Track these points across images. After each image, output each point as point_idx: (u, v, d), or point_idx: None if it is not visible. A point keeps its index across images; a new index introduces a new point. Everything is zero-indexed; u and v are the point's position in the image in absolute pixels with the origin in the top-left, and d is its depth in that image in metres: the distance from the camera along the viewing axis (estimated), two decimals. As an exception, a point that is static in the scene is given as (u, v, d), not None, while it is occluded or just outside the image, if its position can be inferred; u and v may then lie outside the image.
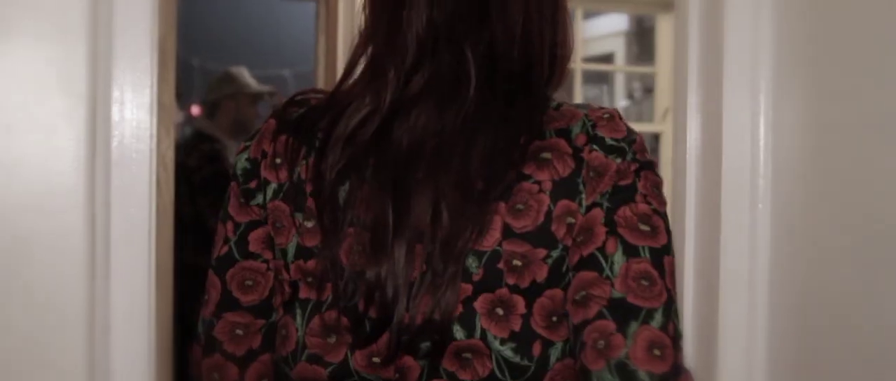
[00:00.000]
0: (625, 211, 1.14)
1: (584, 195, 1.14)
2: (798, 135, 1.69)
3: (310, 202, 1.20)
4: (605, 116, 1.18)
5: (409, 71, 1.19)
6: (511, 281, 1.14)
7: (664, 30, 4.63)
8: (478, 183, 1.14)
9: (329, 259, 1.18)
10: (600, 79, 7.11)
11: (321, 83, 4.04)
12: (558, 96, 1.25)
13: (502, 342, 1.15)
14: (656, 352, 1.08)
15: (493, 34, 1.19)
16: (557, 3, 1.25)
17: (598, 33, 6.80)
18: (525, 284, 1.14)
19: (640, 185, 1.16)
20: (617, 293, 1.10)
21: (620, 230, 1.13)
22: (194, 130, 4.19)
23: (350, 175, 1.18)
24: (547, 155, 1.15)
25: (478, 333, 1.14)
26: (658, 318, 1.09)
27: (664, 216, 1.16)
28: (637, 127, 4.76)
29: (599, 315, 1.10)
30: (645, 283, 1.11)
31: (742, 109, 1.73)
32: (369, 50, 1.24)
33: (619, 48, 6.78)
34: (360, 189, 1.17)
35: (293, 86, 6.78)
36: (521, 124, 1.17)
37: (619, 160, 1.15)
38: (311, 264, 1.20)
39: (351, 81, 1.25)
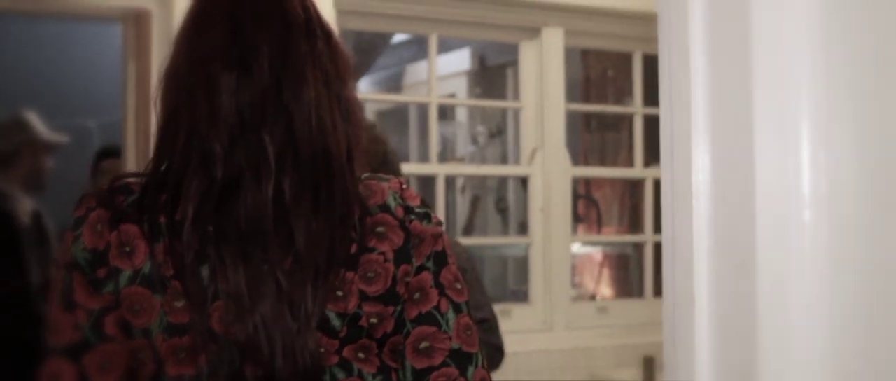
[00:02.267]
0: (446, 274, 1.45)
1: (414, 259, 1.42)
2: (853, 172, 1.20)
3: (174, 284, 1.33)
4: (404, 186, 1.47)
5: (230, 152, 1.34)
6: (370, 334, 1.41)
7: (529, 59, 4.11)
8: (319, 254, 1.35)
9: (203, 332, 1.32)
10: (445, 120, 6.59)
11: (130, 134, 3.39)
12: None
13: (374, 376, 1.43)
14: None
15: (290, 121, 1.35)
16: (347, 93, 1.44)
17: (438, 73, 6.25)
18: (378, 335, 1.41)
19: (447, 248, 1.46)
20: (455, 345, 1.43)
21: (448, 292, 1.44)
22: None
23: (207, 254, 1.33)
24: (382, 229, 1.40)
25: (355, 372, 1.41)
26: (480, 359, 1.45)
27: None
28: (501, 170, 4.17)
29: (444, 364, 1.42)
30: (469, 333, 1.45)
31: (775, 145, 1.23)
32: (183, 132, 1.36)
33: (460, 89, 6.27)
34: (219, 265, 1.33)
35: (99, 138, 6.04)
36: (350, 203, 1.38)
37: (430, 226, 1.44)
38: (184, 340, 1.34)
39: (166, 161, 1.38)
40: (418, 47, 6.50)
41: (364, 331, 1.40)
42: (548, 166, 4.05)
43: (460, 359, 1.42)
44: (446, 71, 6.29)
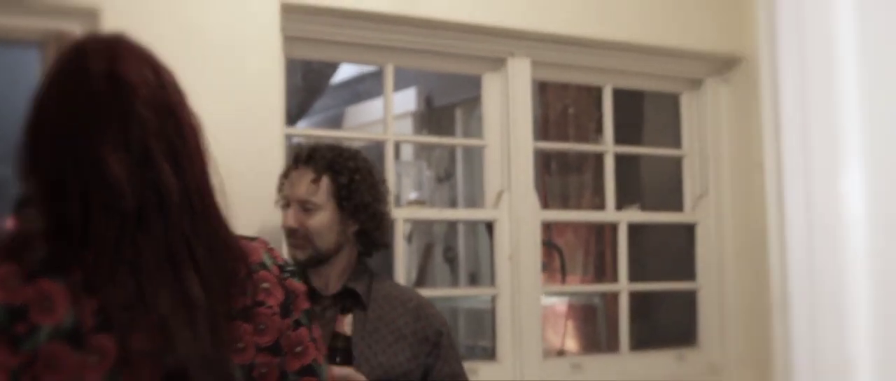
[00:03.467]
0: (315, 330, 1.64)
1: (293, 314, 1.58)
2: None
3: (100, 338, 1.37)
4: (270, 246, 1.64)
5: (121, 207, 1.42)
6: None
7: (493, 93, 3.75)
8: (221, 307, 1.46)
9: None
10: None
11: None
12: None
13: None
14: None
15: (161, 180, 1.44)
16: (204, 154, 1.56)
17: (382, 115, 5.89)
18: None
19: (309, 304, 1.65)
20: None
21: (318, 346, 1.62)
22: None
23: (134, 306, 1.40)
24: (266, 285, 1.55)
25: None
26: None
27: None
28: (465, 215, 3.77)
29: None
30: None
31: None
32: (74, 188, 1.43)
33: (405, 131, 5.89)
34: (143, 318, 1.40)
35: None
36: (238, 261, 1.53)
37: (300, 283, 1.63)
38: None
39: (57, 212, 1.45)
40: (359, 88, 6.12)
41: None
42: (516, 210, 3.69)
43: None
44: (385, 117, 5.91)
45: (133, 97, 1.46)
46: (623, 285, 4.02)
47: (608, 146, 4.04)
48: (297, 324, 1.57)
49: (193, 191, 1.47)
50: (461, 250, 5.82)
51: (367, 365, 2.69)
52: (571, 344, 4.72)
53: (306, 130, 4.55)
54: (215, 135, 3.07)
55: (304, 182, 2.74)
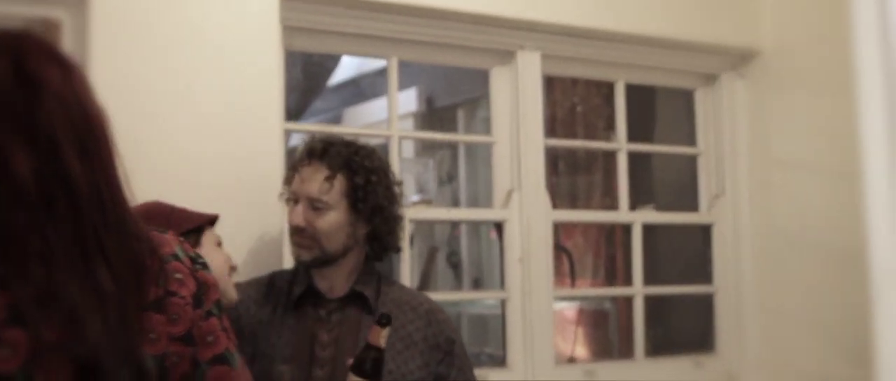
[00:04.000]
0: (225, 320, 1.64)
1: (204, 304, 1.60)
2: None
3: (11, 332, 1.39)
4: (181, 239, 1.64)
5: (29, 200, 1.42)
6: (172, 375, 1.54)
7: (502, 87, 3.58)
8: (132, 298, 1.47)
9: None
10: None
11: None
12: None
13: None
14: None
15: (69, 173, 1.43)
16: (111, 146, 1.53)
17: (382, 116, 5.75)
18: (176, 376, 1.54)
19: (220, 295, 1.67)
20: None
21: (230, 335, 1.64)
22: None
23: (44, 299, 1.42)
24: (179, 276, 1.57)
25: None
26: None
27: None
28: (474, 215, 3.58)
29: None
30: (245, 373, 1.67)
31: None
32: None
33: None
34: (54, 311, 1.41)
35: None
36: (149, 252, 1.53)
37: (211, 275, 1.65)
38: None
39: None
40: (357, 89, 5.96)
41: (168, 373, 1.53)
42: (526, 210, 3.52)
43: None
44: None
45: (39, 91, 1.46)
46: (638, 289, 3.84)
47: (621, 144, 3.87)
48: (209, 314, 1.60)
49: (102, 183, 1.48)
50: (464, 255, 5.66)
51: (377, 373, 2.52)
52: (581, 351, 4.55)
53: (306, 126, 4.36)
54: (211, 129, 2.96)
55: (316, 179, 2.56)
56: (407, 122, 5.71)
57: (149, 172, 2.69)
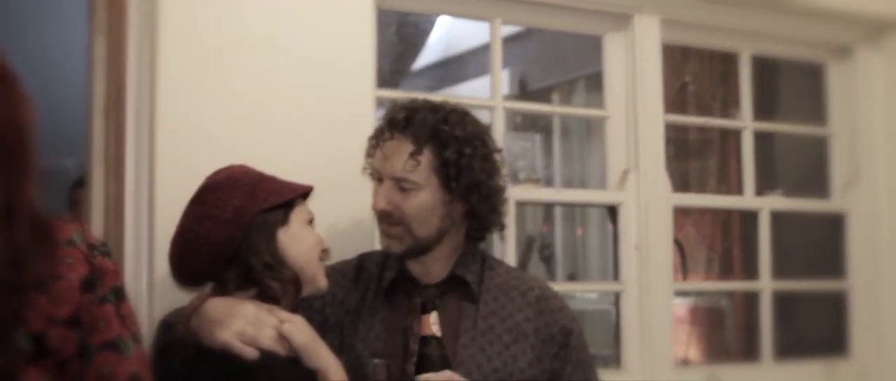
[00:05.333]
0: (126, 307, 1.66)
1: (98, 290, 1.62)
2: None
3: None
4: (83, 227, 1.67)
5: None
6: (54, 355, 1.55)
7: (616, 55, 3.21)
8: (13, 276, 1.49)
9: None
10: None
11: (97, 132, 2.51)
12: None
13: None
14: None
15: None
16: (27, 161, 1.55)
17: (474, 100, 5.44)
18: (62, 357, 1.56)
19: (123, 284, 1.70)
20: (133, 371, 1.63)
21: (127, 323, 1.65)
22: None
23: None
24: (70, 260, 1.59)
25: None
26: None
27: None
28: (585, 196, 3.08)
29: None
30: (143, 363, 1.68)
31: None
32: None
33: (497, 118, 5.39)
34: None
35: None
36: (42, 234, 1.55)
37: (110, 262, 1.67)
38: None
39: None
40: (444, 72, 5.66)
41: (49, 352, 1.55)
42: (644, 192, 3.15)
43: None
44: (481, 96, 5.46)
45: None
46: (765, 284, 3.44)
47: (746, 122, 3.48)
48: (104, 300, 1.63)
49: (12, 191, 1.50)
50: (558, 248, 5.30)
51: (479, 372, 2.17)
52: (694, 353, 4.15)
53: (400, 94, 4.03)
54: (296, 93, 2.57)
55: (400, 156, 2.20)
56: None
57: (227, 138, 2.48)
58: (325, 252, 2.14)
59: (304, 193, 2.12)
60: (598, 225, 5.05)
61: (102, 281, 1.62)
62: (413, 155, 2.18)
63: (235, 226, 1.99)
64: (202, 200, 2.04)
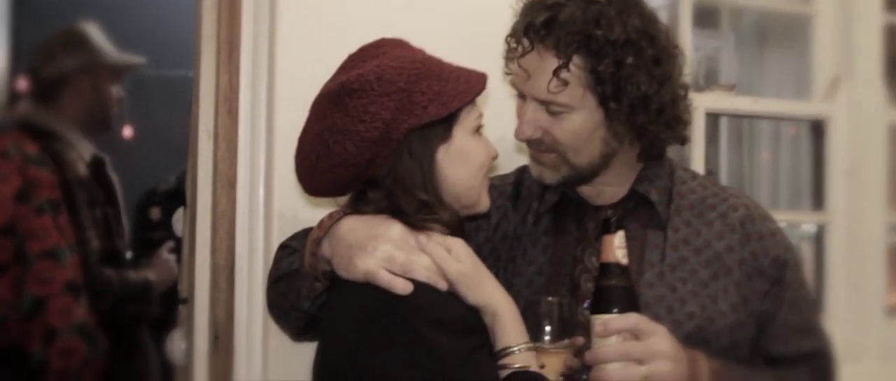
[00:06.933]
0: (62, 219, 1.82)
1: (33, 201, 1.77)
2: None
3: None
4: (19, 137, 1.83)
5: None
6: None
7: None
8: None
9: None
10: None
11: (207, 82, 2.20)
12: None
13: None
14: None
15: None
16: None
17: None
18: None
19: (57, 194, 1.93)
20: (69, 278, 1.91)
21: (64, 233, 1.84)
22: (18, 119, 2.89)
23: None
24: (3, 172, 1.68)
25: None
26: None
27: None
28: (789, 107, 2.67)
29: (61, 293, 1.90)
30: (78, 269, 1.98)
31: None
32: None
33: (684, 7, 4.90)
34: None
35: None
36: None
37: (46, 172, 1.86)
38: None
39: None
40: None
41: None
42: (858, 105, 2.67)
43: (74, 290, 1.90)
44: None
45: None
46: None
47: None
48: (40, 210, 1.81)
49: None
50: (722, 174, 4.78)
51: (669, 318, 1.69)
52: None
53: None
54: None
55: (543, 73, 1.70)
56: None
57: (357, 11, 2.09)
58: (493, 159, 1.70)
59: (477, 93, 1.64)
60: (788, 146, 4.50)
61: (37, 192, 1.81)
62: (559, 72, 1.68)
63: (382, 145, 1.54)
64: (343, 105, 1.55)
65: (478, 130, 1.65)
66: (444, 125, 1.58)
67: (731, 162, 4.53)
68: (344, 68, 1.62)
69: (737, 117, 3.13)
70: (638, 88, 1.70)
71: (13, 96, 4.18)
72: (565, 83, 1.68)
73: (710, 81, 3.06)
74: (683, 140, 1.85)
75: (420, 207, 1.58)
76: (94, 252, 2.82)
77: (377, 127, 1.52)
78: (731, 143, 4.56)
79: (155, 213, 3.42)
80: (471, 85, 1.61)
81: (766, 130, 4.50)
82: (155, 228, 3.42)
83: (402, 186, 1.57)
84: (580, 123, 1.72)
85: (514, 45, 1.76)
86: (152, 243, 3.33)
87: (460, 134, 1.61)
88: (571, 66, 1.68)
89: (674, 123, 1.78)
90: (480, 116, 1.65)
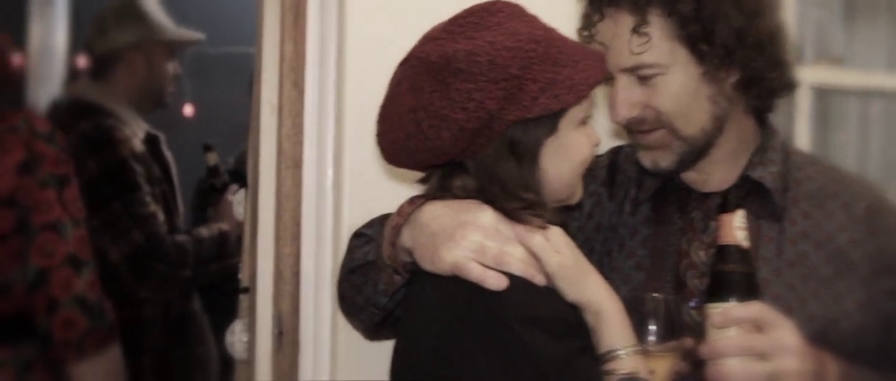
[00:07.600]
0: (69, 192, 1.96)
1: (37, 174, 1.88)
2: None
3: None
4: (37, 116, 1.99)
5: None
6: None
7: None
8: None
9: None
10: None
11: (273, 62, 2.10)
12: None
13: None
14: None
15: None
16: None
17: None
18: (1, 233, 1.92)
19: (70, 171, 2.01)
20: (71, 251, 2.00)
21: (68, 207, 1.98)
22: (72, 97, 3.19)
23: None
24: (8, 145, 1.84)
25: None
26: (93, 266, 2.10)
27: None
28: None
29: (62, 265, 2.01)
30: (83, 244, 2.04)
31: None
32: None
33: None
34: None
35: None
36: None
37: (53, 148, 1.93)
38: None
39: None
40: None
41: None
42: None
43: (76, 263, 1.94)
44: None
45: None
46: None
47: None
48: (44, 184, 1.88)
49: None
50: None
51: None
52: None
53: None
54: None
55: (621, 37, 1.58)
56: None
57: None
58: (596, 148, 1.55)
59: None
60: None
61: (42, 166, 1.88)
62: (637, 29, 1.56)
63: (480, 135, 1.40)
64: (444, 83, 1.39)
65: (584, 120, 1.49)
66: (551, 119, 1.43)
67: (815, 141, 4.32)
68: (450, 32, 1.43)
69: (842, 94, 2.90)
70: (727, 21, 1.56)
71: (73, 74, 4.22)
72: (647, 39, 1.55)
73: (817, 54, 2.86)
74: (793, 85, 1.69)
75: (517, 199, 1.43)
76: (162, 224, 2.86)
77: (480, 117, 1.37)
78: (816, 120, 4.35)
79: (212, 158, 3.29)
80: (588, 75, 1.45)
81: (853, 108, 4.28)
82: (214, 174, 3.30)
83: (500, 184, 1.43)
84: (679, 83, 1.59)
85: (585, 32, 1.63)
86: (215, 189, 3.28)
87: (566, 126, 1.45)
88: (649, 17, 1.56)
89: (779, 58, 1.63)
90: (591, 105, 1.49)
